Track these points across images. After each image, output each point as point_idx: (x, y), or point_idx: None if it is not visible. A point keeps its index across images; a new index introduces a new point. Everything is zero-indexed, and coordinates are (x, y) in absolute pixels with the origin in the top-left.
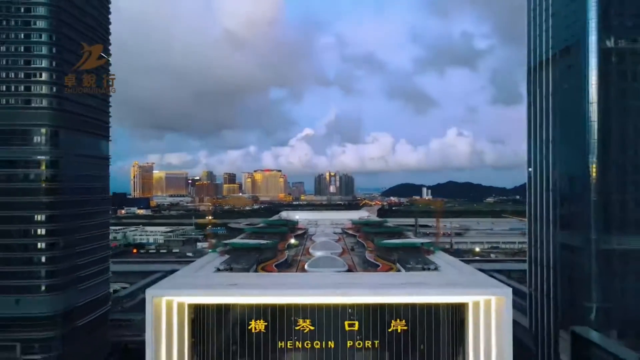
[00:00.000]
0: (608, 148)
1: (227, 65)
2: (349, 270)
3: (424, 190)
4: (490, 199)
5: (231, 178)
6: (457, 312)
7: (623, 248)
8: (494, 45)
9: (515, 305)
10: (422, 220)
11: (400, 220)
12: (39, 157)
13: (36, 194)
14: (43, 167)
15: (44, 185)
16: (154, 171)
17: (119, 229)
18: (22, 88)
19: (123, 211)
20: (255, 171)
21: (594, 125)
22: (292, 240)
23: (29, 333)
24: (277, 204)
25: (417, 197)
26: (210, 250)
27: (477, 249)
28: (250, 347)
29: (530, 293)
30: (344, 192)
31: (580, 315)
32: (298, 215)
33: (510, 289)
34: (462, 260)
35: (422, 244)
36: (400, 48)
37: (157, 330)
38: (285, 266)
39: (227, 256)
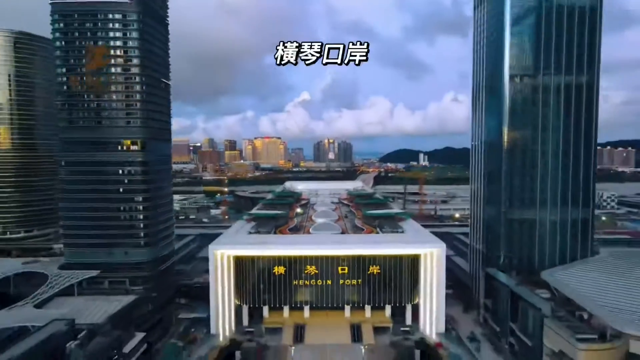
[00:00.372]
0: (513, 149)
1: (222, 33)
2: (342, 233)
3: (421, 156)
4: None
5: (232, 145)
6: (414, 260)
7: (520, 217)
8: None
9: (464, 256)
10: (414, 188)
11: (393, 188)
12: (136, 159)
13: (136, 183)
14: (139, 165)
15: (139, 177)
16: None
17: None
18: (124, 114)
19: None
20: (255, 138)
21: (505, 135)
22: (299, 210)
23: (133, 272)
24: (278, 171)
25: (414, 163)
26: (240, 219)
27: (457, 215)
28: (274, 284)
29: (470, 247)
30: (342, 158)
31: (495, 261)
32: (300, 186)
33: (444, 244)
34: (440, 225)
35: (396, 213)
36: (390, 15)
37: (215, 271)
38: (296, 230)
39: (253, 223)
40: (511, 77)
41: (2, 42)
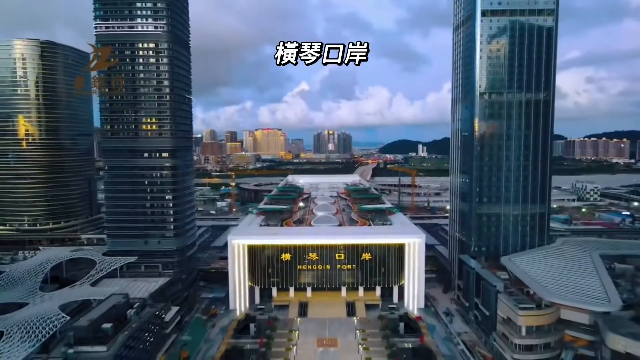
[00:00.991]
0: (482, 155)
1: (218, 26)
2: (340, 225)
3: (420, 147)
4: None
5: (233, 136)
6: (399, 248)
7: (488, 212)
8: None
9: (447, 245)
10: (410, 180)
11: (390, 180)
12: (167, 164)
13: (166, 184)
14: (169, 170)
15: (169, 179)
16: None
17: None
18: (157, 127)
19: None
20: (256, 130)
21: (476, 143)
22: (301, 203)
23: (164, 258)
24: (279, 162)
25: (413, 154)
26: (249, 212)
27: (448, 207)
28: (281, 269)
29: (449, 237)
30: (342, 149)
31: (467, 249)
32: (302, 180)
33: (424, 235)
34: (430, 217)
35: (386, 208)
36: (384, 8)
37: (233, 258)
38: (299, 222)
39: (262, 216)
40: (480, 94)
41: (30, 50)
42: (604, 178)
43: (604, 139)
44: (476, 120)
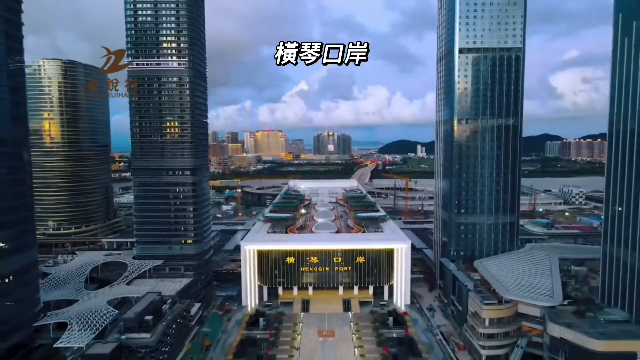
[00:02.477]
0: (460, 172)
1: (215, 30)
2: (338, 231)
3: (419, 147)
4: None
5: (234, 137)
6: (389, 252)
7: (466, 221)
8: None
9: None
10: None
11: (387, 183)
12: (188, 180)
13: (187, 197)
14: (189, 185)
15: (190, 193)
16: None
17: None
18: (180, 149)
19: None
20: (257, 131)
21: (455, 162)
22: (303, 210)
23: (186, 262)
24: (279, 163)
25: (412, 155)
26: (257, 219)
27: None
28: (286, 270)
29: (434, 242)
30: (341, 150)
31: (448, 253)
32: (303, 185)
33: (410, 242)
34: (421, 221)
35: (379, 216)
36: (379, 12)
37: (245, 261)
38: (302, 228)
39: (269, 224)
40: (458, 120)
41: (54, 70)
42: (596, 180)
43: (599, 140)
44: (455, 142)
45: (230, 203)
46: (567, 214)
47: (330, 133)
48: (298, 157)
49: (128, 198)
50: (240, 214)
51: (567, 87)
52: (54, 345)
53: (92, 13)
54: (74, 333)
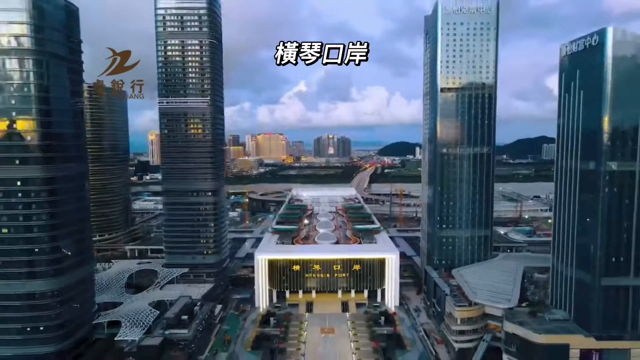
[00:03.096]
0: (442, 192)
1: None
2: (337, 242)
3: (417, 150)
4: None
5: (235, 139)
6: (381, 261)
7: (447, 235)
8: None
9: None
10: (407, 186)
11: (385, 188)
12: (210, 200)
13: (209, 214)
14: (211, 204)
15: (211, 211)
16: None
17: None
18: (201, 173)
19: (148, 177)
20: (258, 134)
21: (437, 184)
22: (306, 221)
23: (207, 270)
24: (281, 166)
25: (411, 157)
26: (266, 231)
27: None
28: (292, 277)
29: (420, 251)
30: (341, 152)
31: (431, 262)
32: (305, 194)
33: (398, 252)
34: (414, 229)
35: (373, 229)
36: (371, 20)
37: (258, 269)
38: (305, 239)
39: (277, 235)
40: (440, 148)
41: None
42: None
43: None
44: (438, 168)
45: (236, 209)
46: (550, 220)
47: (331, 136)
48: (299, 159)
49: (140, 205)
50: (247, 222)
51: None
52: (115, 339)
53: (89, 17)
54: (127, 329)
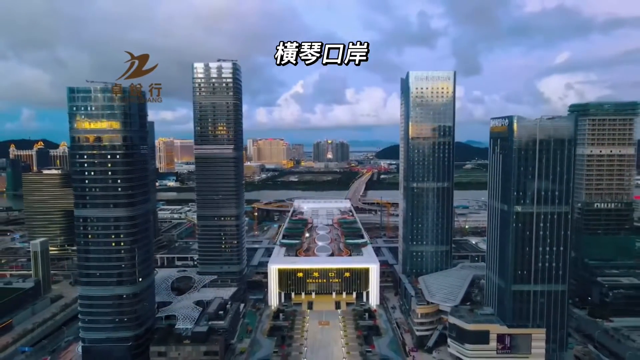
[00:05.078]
0: (413, 217)
1: (202, 47)
2: (332, 253)
3: None
4: (468, 165)
5: None
6: (366, 270)
7: (416, 249)
8: (448, 24)
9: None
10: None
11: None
12: (233, 223)
13: (232, 233)
14: (234, 226)
15: (235, 231)
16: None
17: (178, 209)
18: (227, 202)
19: (157, 183)
20: (259, 139)
21: (408, 211)
22: (307, 235)
23: (231, 276)
24: (282, 171)
25: None
26: (276, 244)
27: None
28: (297, 282)
29: (398, 260)
30: (339, 157)
31: (404, 270)
32: (305, 206)
33: (378, 262)
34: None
35: (361, 242)
36: (357, 32)
37: (270, 276)
38: (307, 251)
39: (284, 248)
40: (411, 181)
41: None
42: None
43: None
44: (409, 199)
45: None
46: None
47: (329, 141)
48: (299, 163)
49: (159, 215)
50: (256, 232)
51: (551, 93)
52: (175, 327)
53: (91, 28)
54: (181, 321)
